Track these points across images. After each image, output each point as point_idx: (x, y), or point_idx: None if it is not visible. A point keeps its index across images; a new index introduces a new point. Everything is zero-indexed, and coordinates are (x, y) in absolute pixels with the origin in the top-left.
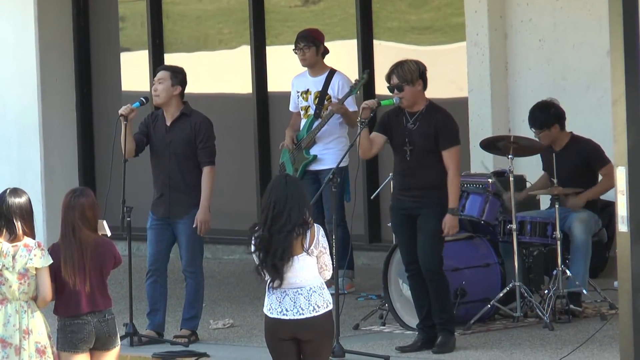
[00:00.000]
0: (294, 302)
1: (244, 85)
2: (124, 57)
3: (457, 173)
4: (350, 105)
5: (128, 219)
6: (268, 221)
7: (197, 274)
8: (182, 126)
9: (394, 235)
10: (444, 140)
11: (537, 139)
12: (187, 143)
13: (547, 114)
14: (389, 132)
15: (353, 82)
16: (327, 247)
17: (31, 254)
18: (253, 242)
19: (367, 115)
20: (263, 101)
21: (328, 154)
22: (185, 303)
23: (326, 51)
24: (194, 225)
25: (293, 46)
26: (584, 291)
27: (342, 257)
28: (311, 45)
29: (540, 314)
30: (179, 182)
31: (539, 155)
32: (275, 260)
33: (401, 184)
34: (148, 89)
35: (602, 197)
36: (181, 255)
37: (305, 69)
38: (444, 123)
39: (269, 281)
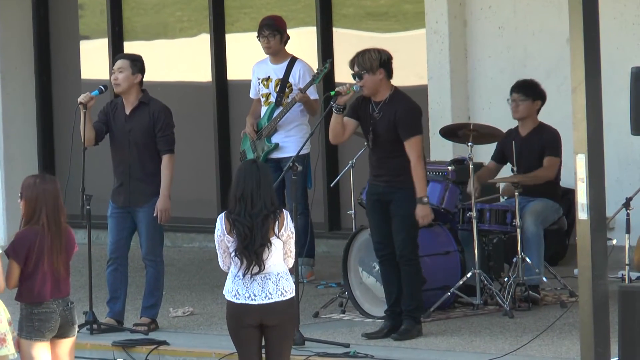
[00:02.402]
0: (262, 287)
1: (203, 73)
2: (84, 45)
3: (419, 162)
4: (312, 93)
5: (88, 207)
6: (248, 208)
7: (157, 262)
8: (142, 115)
9: (353, 222)
10: (404, 131)
11: (500, 127)
12: (146, 132)
13: (537, 88)
14: (359, 118)
15: (315, 70)
16: (294, 233)
17: None
18: (231, 224)
19: (343, 101)
20: (222, 89)
21: (289, 141)
22: (145, 291)
23: (288, 39)
24: (154, 214)
25: (256, 33)
26: (544, 279)
27: (304, 245)
28: (276, 33)
29: (500, 301)
30: (139, 170)
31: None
32: (256, 247)
33: (373, 170)
34: (107, 77)
35: (563, 184)
36: (141, 244)
37: (267, 55)
38: (404, 112)
39: (243, 268)
